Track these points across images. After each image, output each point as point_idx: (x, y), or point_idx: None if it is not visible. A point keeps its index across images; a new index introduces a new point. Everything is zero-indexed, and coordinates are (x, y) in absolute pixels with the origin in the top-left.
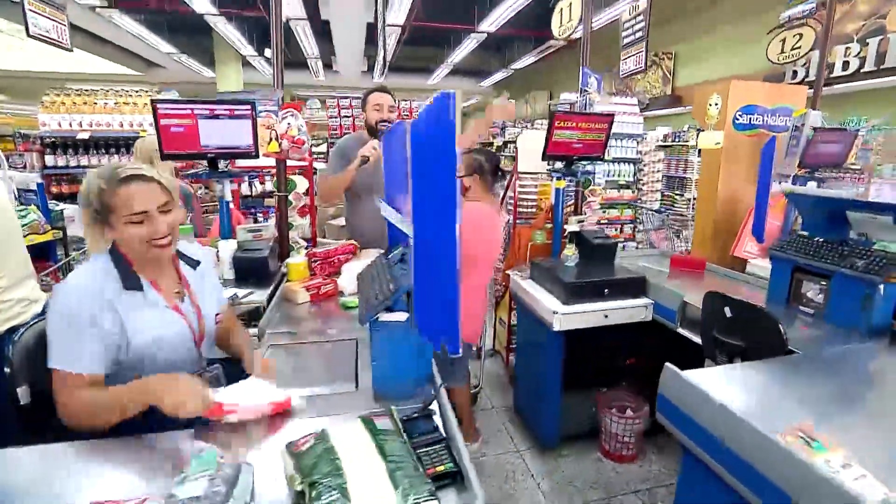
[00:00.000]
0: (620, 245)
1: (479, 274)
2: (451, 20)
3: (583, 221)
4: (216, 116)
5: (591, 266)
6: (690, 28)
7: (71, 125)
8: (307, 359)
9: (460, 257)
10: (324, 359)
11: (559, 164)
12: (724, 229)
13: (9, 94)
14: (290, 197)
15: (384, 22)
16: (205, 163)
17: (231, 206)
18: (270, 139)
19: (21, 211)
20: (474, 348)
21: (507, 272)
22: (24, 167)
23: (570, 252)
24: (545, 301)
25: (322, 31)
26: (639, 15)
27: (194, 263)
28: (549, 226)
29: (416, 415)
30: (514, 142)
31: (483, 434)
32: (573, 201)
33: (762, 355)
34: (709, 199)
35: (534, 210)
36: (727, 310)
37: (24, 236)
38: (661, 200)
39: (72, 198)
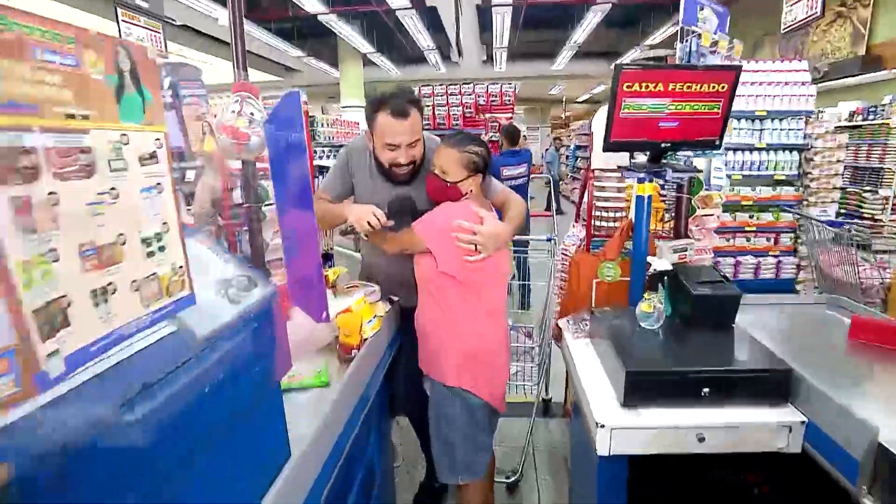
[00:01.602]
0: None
1: (487, 298)
2: None
3: (684, 251)
4: None
5: (686, 334)
6: None
7: None
8: None
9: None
10: None
11: (642, 157)
12: None
13: None
14: (265, 210)
15: None
16: None
17: None
18: (205, 134)
19: None
20: (493, 411)
21: (559, 322)
22: None
23: (649, 307)
24: (593, 395)
25: (435, 24)
26: None
27: None
28: (626, 255)
29: None
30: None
31: None
32: (676, 216)
33: None
34: None
35: (616, 226)
36: None
37: None
38: (842, 202)
39: None
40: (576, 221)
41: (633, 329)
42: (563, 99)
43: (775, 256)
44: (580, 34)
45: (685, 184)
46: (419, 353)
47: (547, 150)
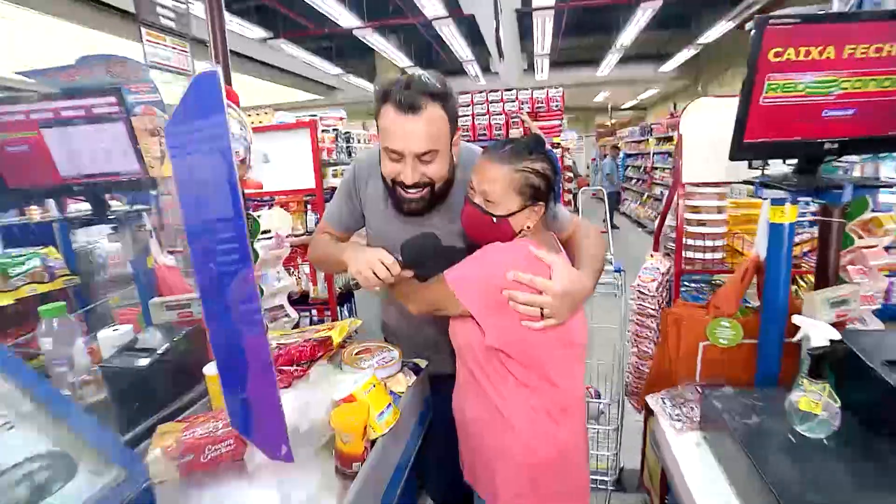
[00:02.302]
0: None
1: (559, 382)
2: None
3: (845, 306)
4: (67, 121)
5: (875, 448)
6: None
7: None
8: None
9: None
10: None
11: (786, 166)
12: None
13: None
14: (257, 247)
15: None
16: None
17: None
18: (164, 154)
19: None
20: None
21: (646, 396)
22: None
23: (813, 405)
24: None
25: (473, 34)
26: None
27: None
28: (751, 308)
29: None
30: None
31: None
32: (821, 249)
33: None
34: None
35: (719, 261)
36: None
37: (20, 287)
38: None
39: None
40: (654, 250)
41: (783, 432)
42: (609, 106)
43: None
44: (626, 36)
45: (839, 204)
46: (461, 454)
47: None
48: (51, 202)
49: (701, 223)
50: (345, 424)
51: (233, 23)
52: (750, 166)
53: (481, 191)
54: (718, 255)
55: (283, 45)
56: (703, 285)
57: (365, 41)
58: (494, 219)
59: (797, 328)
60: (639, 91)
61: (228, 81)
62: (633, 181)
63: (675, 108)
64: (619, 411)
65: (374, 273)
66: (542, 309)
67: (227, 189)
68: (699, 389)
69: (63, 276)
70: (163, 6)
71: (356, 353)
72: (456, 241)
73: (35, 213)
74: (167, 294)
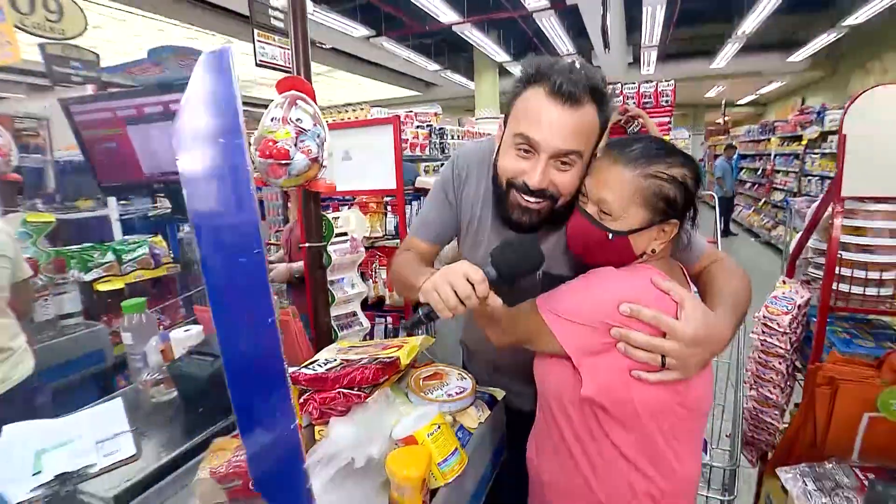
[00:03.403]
0: None
1: (673, 457)
2: None
3: None
4: (146, 118)
5: None
6: None
7: None
8: None
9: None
10: None
11: None
12: None
13: None
14: (331, 251)
15: None
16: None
17: None
18: None
19: (132, 244)
20: None
21: (777, 469)
22: None
23: None
24: None
25: (576, 27)
26: None
27: None
28: None
29: None
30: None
31: None
32: None
33: None
34: None
35: (887, 299)
36: None
37: (131, 272)
38: None
39: None
40: (788, 276)
41: None
42: (722, 102)
43: None
44: (750, 23)
45: None
46: None
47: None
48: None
49: (864, 248)
50: (400, 474)
51: (338, 21)
52: None
53: (597, 199)
54: (887, 291)
55: (385, 43)
56: (857, 327)
57: (463, 36)
58: (610, 235)
59: None
60: (760, 84)
61: (308, 77)
62: (748, 185)
63: (802, 102)
64: (734, 478)
65: (455, 291)
66: (663, 357)
67: (234, 178)
68: (860, 474)
69: (167, 263)
70: (273, 7)
71: (424, 379)
72: (561, 267)
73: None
74: None
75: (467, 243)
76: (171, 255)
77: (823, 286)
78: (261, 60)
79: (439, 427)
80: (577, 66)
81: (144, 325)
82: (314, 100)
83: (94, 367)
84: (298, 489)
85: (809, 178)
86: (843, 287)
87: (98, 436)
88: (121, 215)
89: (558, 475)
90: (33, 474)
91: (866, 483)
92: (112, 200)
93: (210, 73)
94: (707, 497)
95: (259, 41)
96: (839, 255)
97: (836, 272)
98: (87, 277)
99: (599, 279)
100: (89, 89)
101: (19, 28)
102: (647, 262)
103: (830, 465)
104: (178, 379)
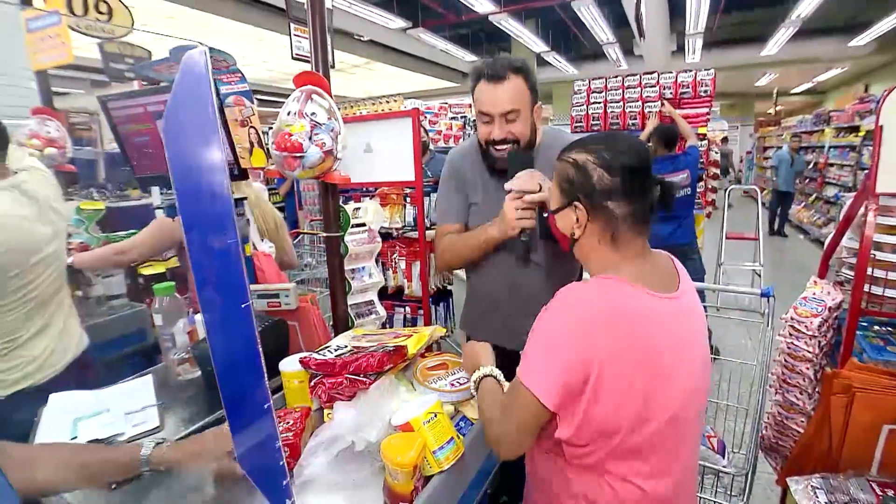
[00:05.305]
0: None
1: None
2: None
3: None
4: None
5: None
6: None
7: None
8: None
9: None
10: None
11: None
12: None
13: None
14: (348, 241)
15: None
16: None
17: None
18: (252, 144)
19: None
20: None
21: (788, 478)
22: None
23: None
24: None
25: (615, 14)
26: None
27: None
28: None
29: None
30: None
31: None
32: None
33: None
34: None
35: None
36: None
37: (172, 257)
38: None
39: None
40: (820, 276)
41: None
42: (774, 91)
43: None
44: (807, 5)
45: None
46: None
47: (749, 152)
48: None
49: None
50: (393, 460)
51: (375, 14)
52: None
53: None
54: None
55: (421, 34)
56: (893, 333)
57: (500, 27)
58: (545, 213)
59: None
60: (816, 72)
61: (326, 71)
62: (809, 182)
63: (866, 90)
64: (748, 482)
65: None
66: None
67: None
68: (877, 490)
69: None
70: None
71: (430, 369)
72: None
73: None
74: (262, 282)
75: (478, 204)
76: None
77: (854, 288)
78: (297, 54)
79: (436, 415)
80: (501, 56)
81: (174, 308)
82: (330, 94)
83: (138, 344)
84: (274, 465)
85: (867, 171)
86: (877, 289)
87: (128, 408)
88: (163, 202)
89: (548, 473)
90: (71, 438)
91: (883, 499)
92: (155, 190)
93: (187, 74)
94: (714, 502)
95: (295, 35)
96: (872, 256)
97: (869, 273)
98: None
99: (546, 320)
100: (135, 85)
101: (72, 29)
102: (611, 274)
103: (845, 478)
104: (201, 359)
